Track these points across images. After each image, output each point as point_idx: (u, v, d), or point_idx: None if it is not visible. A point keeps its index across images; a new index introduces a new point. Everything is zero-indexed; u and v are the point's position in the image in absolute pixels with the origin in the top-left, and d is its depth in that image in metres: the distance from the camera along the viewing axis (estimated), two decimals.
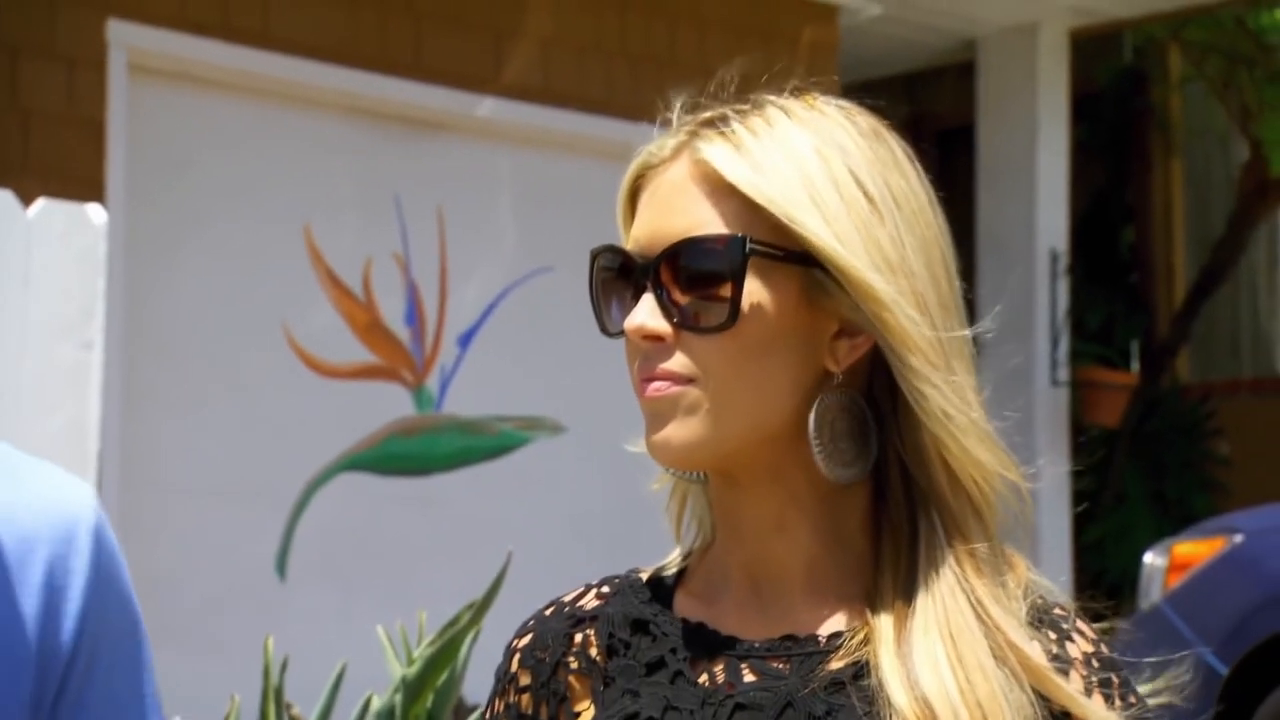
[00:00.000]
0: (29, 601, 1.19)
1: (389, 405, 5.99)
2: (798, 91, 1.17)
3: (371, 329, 5.96)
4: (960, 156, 7.75)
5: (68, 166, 5.35)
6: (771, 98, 1.17)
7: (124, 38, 5.52)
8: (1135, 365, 8.01)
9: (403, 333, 6.04)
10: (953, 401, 1.09)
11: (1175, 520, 6.90)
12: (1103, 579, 7.10)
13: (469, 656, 2.87)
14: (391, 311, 6.00)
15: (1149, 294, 8.55)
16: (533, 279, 6.17)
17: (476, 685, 2.41)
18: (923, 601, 1.11)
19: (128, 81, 5.55)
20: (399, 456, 6.10)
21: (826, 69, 6.23)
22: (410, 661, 2.98)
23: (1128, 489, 7.41)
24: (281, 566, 5.79)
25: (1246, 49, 7.71)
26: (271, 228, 5.78)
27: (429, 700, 2.96)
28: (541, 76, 6.22)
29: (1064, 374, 7.02)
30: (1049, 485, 6.30)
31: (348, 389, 5.90)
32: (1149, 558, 5.37)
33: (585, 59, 6.42)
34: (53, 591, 1.20)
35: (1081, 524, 7.11)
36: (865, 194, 1.11)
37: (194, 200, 5.67)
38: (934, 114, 8.20)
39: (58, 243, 4.61)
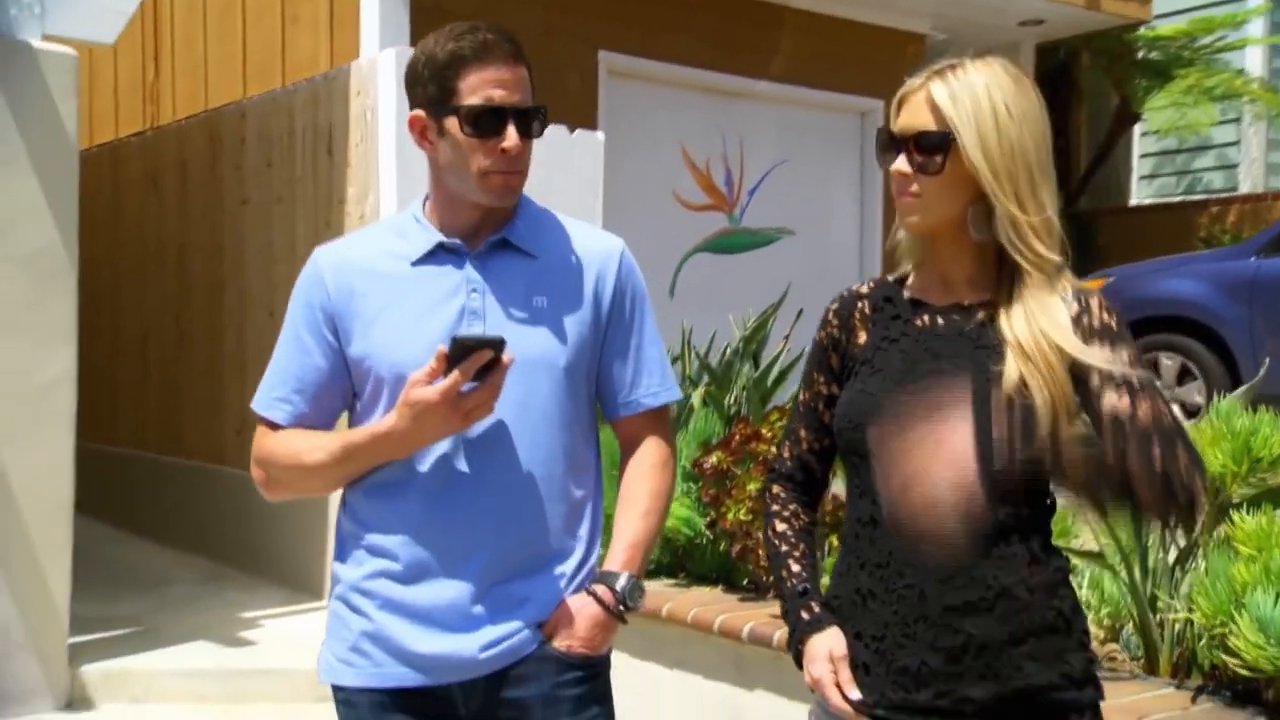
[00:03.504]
0: (594, 281, 1.76)
1: (717, 222, 7.46)
2: (980, 55, 1.51)
3: (709, 188, 7.42)
4: None
5: (576, 120, 5.77)
6: (968, 59, 1.53)
7: (605, 59, 6.75)
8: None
9: (724, 189, 7.45)
10: (1022, 209, 1.48)
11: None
12: None
13: (771, 328, 4.28)
14: (718, 179, 7.46)
15: (1068, 169, 9.91)
16: (780, 165, 7.71)
17: (771, 346, 4.34)
18: (1017, 293, 1.54)
19: (607, 79, 6.80)
20: (723, 246, 7.44)
21: (914, 64, 6.04)
22: (745, 328, 4.29)
23: None
24: (671, 291, 7.06)
25: (1120, 50, 9.50)
26: (668, 146, 7.25)
27: (754, 344, 4.34)
28: (789, 70, 7.59)
29: None
30: None
31: (699, 215, 7.36)
32: None
33: (812, 60, 7.65)
34: (602, 277, 1.77)
35: None
36: (1007, 109, 1.49)
37: (639, 133, 6.83)
38: None
39: (562, 156, 5.12)
